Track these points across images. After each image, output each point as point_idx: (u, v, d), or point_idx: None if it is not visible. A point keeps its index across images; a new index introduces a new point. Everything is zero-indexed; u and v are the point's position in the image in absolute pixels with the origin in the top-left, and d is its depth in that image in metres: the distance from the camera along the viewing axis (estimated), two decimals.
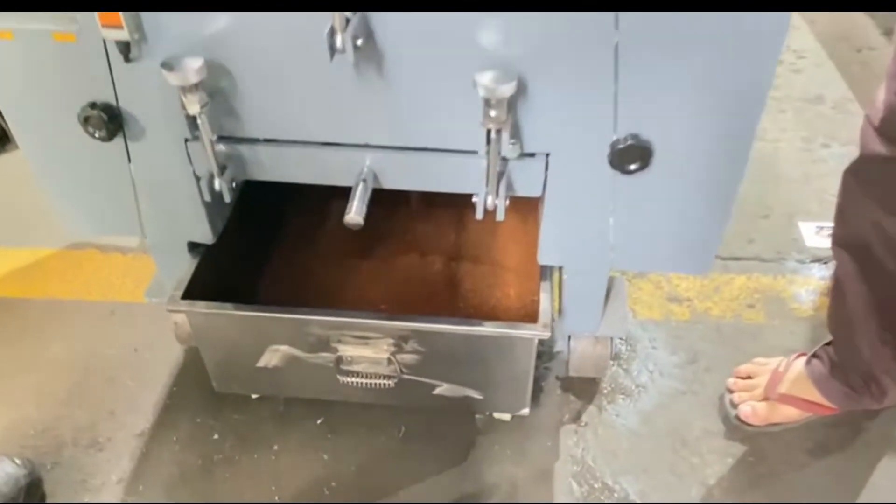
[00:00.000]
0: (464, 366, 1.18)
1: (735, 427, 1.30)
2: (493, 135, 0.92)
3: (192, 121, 0.97)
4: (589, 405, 1.34)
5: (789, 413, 1.28)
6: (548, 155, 1.00)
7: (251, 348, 1.21)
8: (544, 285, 1.15)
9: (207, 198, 1.05)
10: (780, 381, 1.28)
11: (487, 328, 1.10)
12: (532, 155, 1.01)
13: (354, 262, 1.47)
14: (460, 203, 1.56)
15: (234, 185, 1.04)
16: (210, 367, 1.27)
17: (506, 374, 1.19)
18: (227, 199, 1.04)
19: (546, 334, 1.08)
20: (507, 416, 1.32)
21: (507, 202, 1.00)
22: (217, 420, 1.33)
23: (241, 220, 1.32)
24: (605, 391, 1.37)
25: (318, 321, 1.13)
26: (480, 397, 1.23)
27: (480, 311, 1.39)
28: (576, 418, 1.32)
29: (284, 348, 1.20)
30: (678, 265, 1.12)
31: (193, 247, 1.22)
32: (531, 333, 1.09)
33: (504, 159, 0.99)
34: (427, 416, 1.32)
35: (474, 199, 1.01)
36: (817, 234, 1.65)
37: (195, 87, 0.91)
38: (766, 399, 1.29)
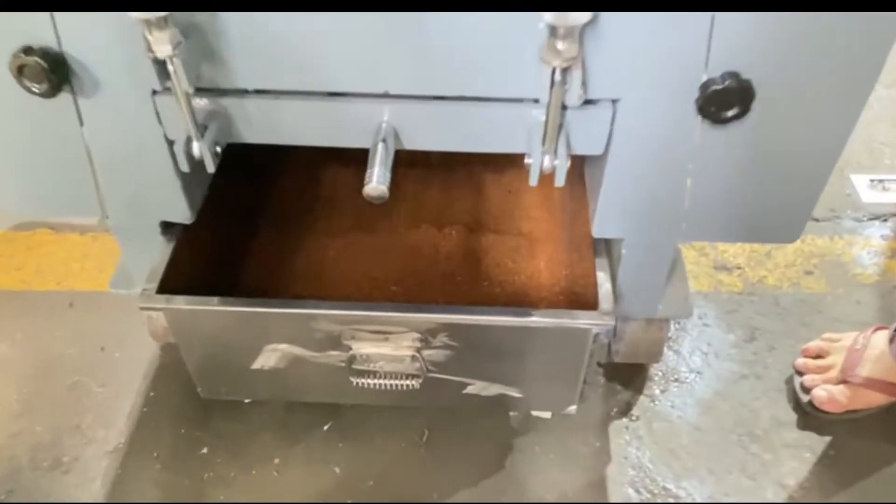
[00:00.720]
0: (503, 361, 0.99)
1: (809, 415, 1.13)
2: (556, 76, 0.71)
3: (161, 67, 0.74)
4: (639, 395, 1.16)
5: (872, 398, 1.11)
6: (615, 102, 0.80)
7: (244, 349, 1.00)
8: (600, 263, 0.95)
9: (185, 167, 0.83)
10: (860, 362, 1.11)
11: (538, 318, 0.90)
12: (594, 102, 0.80)
13: (356, 237, 1.25)
14: (474, 161, 1.37)
15: (217, 150, 0.82)
16: (193, 371, 1.05)
17: (553, 369, 1.00)
18: (211, 168, 0.82)
19: (609, 323, 0.89)
20: (547, 414, 1.13)
21: (569, 163, 0.79)
22: (205, 431, 1.12)
23: (222, 191, 1.09)
24: (655, 377, 1.19)
25: (327, 315, 0.92)
26: (520, 395, 1.04)
27: (507, 290, 1.19)
28: (625, 411, 1.14)
29: (285, 347, 0.99)
30: (766, 234, 0.93)
31: (167, 227, 0.99)
32: (590, 323, 0.90)
33: (563, 109, 0.78)
34: (452, 416, 1.13)
35: (528, 161, 0.80)
36: (872, 188, 1.47)
37: (164, 22, 0.68)
38: (843, 382, 1.12)
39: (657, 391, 1.17)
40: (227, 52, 0.76)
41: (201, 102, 0.82)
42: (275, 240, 1.25)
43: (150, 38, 0.69)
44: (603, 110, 0.80)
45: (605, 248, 0.98)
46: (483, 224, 1.28)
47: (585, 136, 0.83)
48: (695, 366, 1.20)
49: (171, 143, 0.84)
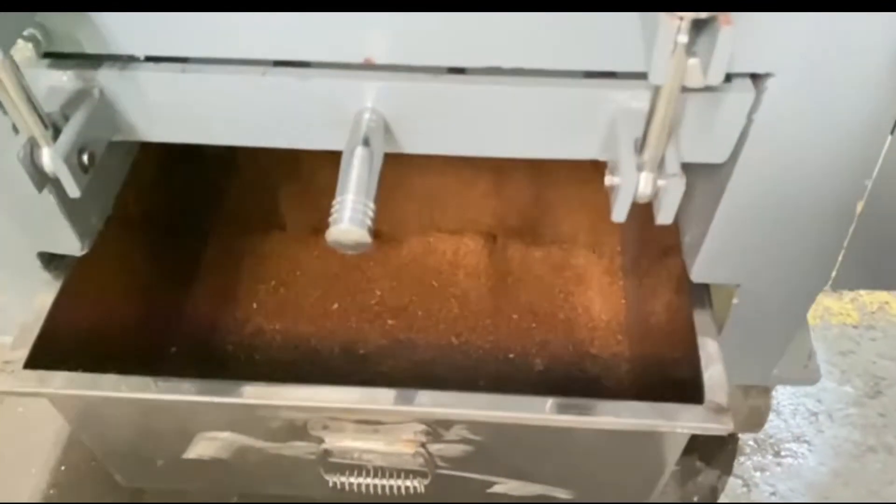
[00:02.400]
0: (548, 459, 0.67)
1: None
2: (681, 34, 0.38)
3: None
4: (727, 477, 0.85)
5: None
6: (759, 80, 0.46)
7: (169, 438, 0.69)
8: (702, 321, 0.62)
9: (74, 193, 0.49)
10: None
11: (611, 418, 0.57)
12: (727, 80, 0.47)
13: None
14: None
15: (85, 160, 0.49)
16: (104, 459, 0.74)
17: (625, 472, 0.68)
18: (73, 190, 0.49)
19: (726, 427, 0.57)
20: None
21: (684, 187, 0.46)
22: None
23: (142, 199, 0.77)
24: (747, 450, 0.87)
25: (283, 406, 0.60)
26: (569, 497, 0.73)
27: (547, 327, 0.88)
28: (710, 499, 0.83)
29: (227, 436, 0.67)
30: None
31: (51, 261, 0.67)
32: (696, 427, 0.57)
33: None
34: None
35: (610, 182, 0.46)
36: None
37: None
38: None
39: (752, 470, 0.85)
40: None
41: (58, 78, 0.49)
42: (221, 259, 0.93)
43: None
44: (738, 94, 0.47)
45: (707, 295, 0.64)
46: (510, 230, 0.95)
47: (703, 134, 0.49)
48: (801, 432, 0.88)
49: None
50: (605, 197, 0.98)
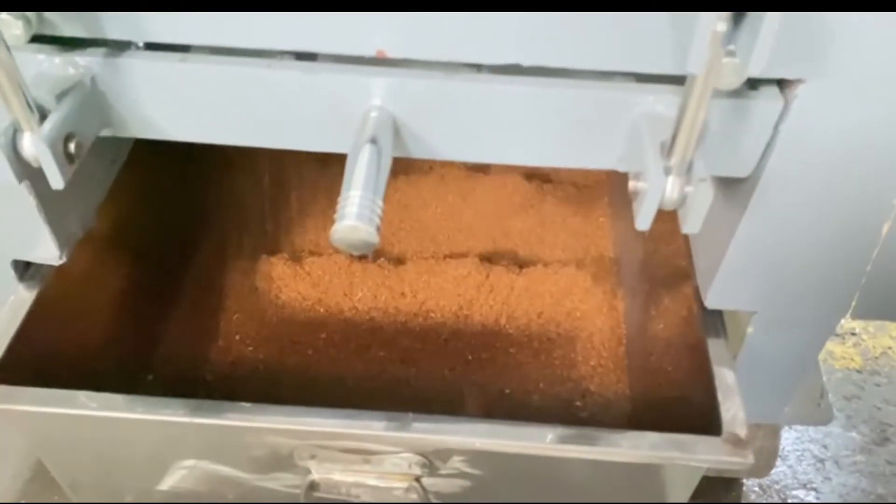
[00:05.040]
0: (551, 491, 0.63)
1: None
2: (719, 23, 0.35)
3: None
4: None
5: None
6: (789, 87, 0.45)
7: (144, 465, 0.64)
8: (716, 351, 0.59)
9: (58, 184, 0.46)
10: None
11: (624, 450, 0.54)
12: (753, 87, 0.45)
13: (329, 265, 0.89)
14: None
15: (72, 149, 0.45)
16: (66, 486, 0.68)
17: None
18: (57, 181, 0.45)
19: (745, 461, 0.53)
20: None
21: (712, 195, 0.43)
22: None
23: (129, 203, 0.73)
24: (752, 495, 0.83)
25: (268, 430, 0.56)
26: None
27: (548, 358, 0.84)
28: None
29: (205, 465, 0.62)
30: None
31: (26, 268, 0.63)
32: (715, 460, 0.53)
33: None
34: None
35: (635, 187, 0.44)
36: None
37: None
38: None
39: None
40: None
41: (47, 63, 0.46)
42: (203, 283, 0.89)
43: None
44: (766, 102, 0.45)
45: (721, 323, 0.61)
46: (505, 253, 0.92)
47: (726, 146, 0.47)
48: (808, 479, 0.84)
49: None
50: (604, 225, 0.95)
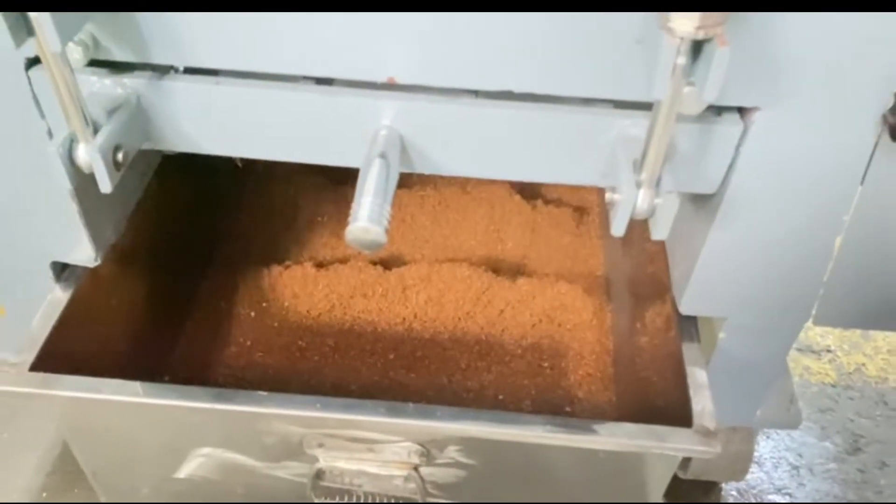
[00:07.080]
0: (540, 489, 0.68)
1: None
2: (681, 56, 0.42)
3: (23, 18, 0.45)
4: None
5: None
6: (747, 114, 0.51)
7: (163, 453, 0.69)
8: (689, 352, 0.65)
9: (66, 181, 0.52)
10: None
11: (602, 437, 0.59)
12: (717, 113, 0.52)
13: (335, 276, 0.95)
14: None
15: (120, 158, 0.52)
16: (90, 473, 0.74)
17: (616, 495, 0.69)
18: (105, 186, 0.51)
19: (713, 450, 0.59)
20: None
21: (678, 205, 0.50)
22: None
23: (156, 215, 0.79)
24: (729, 499, 0.88)
25: (283, 416, 0.62)
26: None
27: (540, 364, 0.90)
28: None
29: (220, 453, 0.68)
30: None
31: (62, 270, 0.69)
32: (686, 449, 0.59)
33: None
34: None
35: (611, 199, 0.50)
36: None
37: None
38: None
39: None
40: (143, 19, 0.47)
41: (99, 83, 0.52)
42: (219, 291, 0.95)
43: None
44: (727, 127, 0.52)
45: (695, 328, 0.67)
46: (503, 267, 0.98)
47: (694, 165, 0.54)
48: (783, 484, 0.89)
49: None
50: (595, 245, 1.02)
